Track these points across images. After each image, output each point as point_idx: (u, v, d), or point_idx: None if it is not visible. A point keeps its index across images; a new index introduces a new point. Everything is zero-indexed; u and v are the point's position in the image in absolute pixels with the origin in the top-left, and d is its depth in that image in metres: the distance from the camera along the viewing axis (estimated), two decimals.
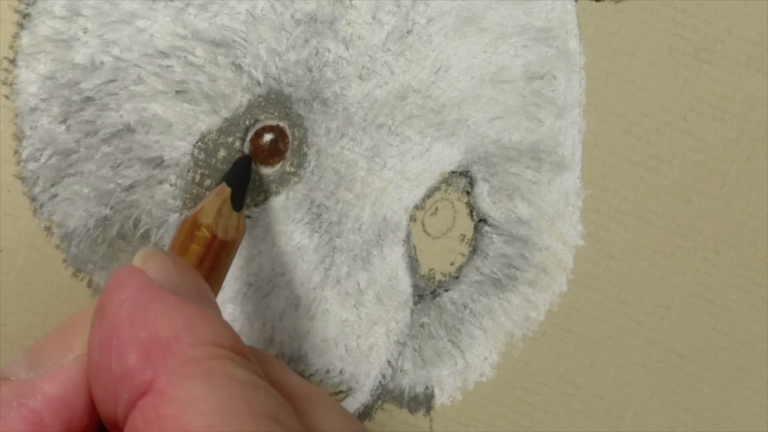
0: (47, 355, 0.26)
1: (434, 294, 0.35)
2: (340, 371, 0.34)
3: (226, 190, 0.31)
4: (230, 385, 0.23)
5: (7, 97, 0.31)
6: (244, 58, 0.32)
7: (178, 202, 0.33)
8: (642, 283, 0.35)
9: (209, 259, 0.29)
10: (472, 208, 0.35)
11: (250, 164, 0.32)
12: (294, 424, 0.24)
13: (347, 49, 0.33)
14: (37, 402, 0.25)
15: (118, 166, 0.32)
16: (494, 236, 0.35)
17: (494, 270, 0.35)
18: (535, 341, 0.35)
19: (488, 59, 0.34)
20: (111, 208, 0.32)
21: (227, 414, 0.22)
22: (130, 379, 0.23)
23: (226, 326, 0.25)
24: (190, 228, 0.29)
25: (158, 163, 0.32)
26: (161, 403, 0.23)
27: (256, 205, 0.33)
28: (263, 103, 0.33)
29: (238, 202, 0.31)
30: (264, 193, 0.33)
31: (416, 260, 0.34)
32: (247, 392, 0.23)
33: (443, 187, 0.34)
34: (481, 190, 0.34)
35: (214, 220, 0.30)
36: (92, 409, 0.25)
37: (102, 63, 0.32)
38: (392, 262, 0.34)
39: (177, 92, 0.32)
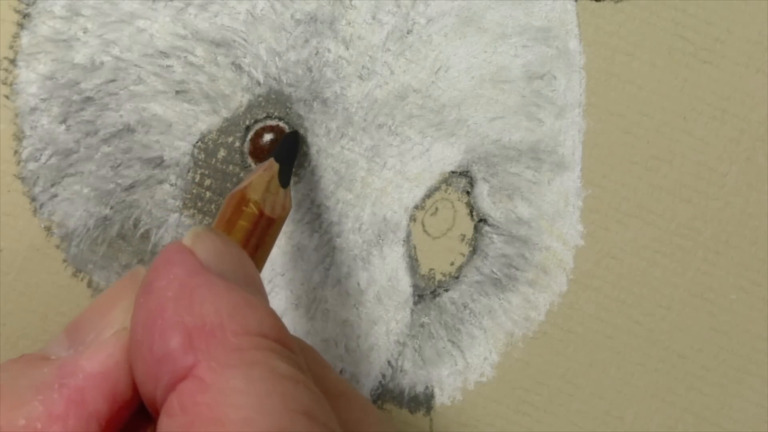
0: (86, 331, 0.26)
1: (434, 294, 0.35)
2: (340, 371, 0.34)
3: (274, 165, 0.30)
4: (270, 378, 0.23)
5: (7, 97, 0.31)
6: (244, 58, 0.32)
7: (178, 202, 0.33)
8: (642, 283, 0.35)
9: (256, 236, 0.28)
10: (472, 208, 0.35)
11: (299, 140, 0.32)
12: (331, 422, 0.23)
13: (347, 49, 0.33)
14: (79, 380, 0.24)
15: (118, 166, 0.32)
16: (494, 236, 0.35)
17: (494, 270, 0.35)
18: (535, 341, 0.35)
19: (488, 59, 0.34)
20: (111, 208, 0.32)
21: (264, 409, 0.22)
22: (171, 362, 0.23)
23: (273, 315, 0.25)
24: (237, 203, 0.29)
25: (158, 163, 0.32)
26: (199, 391, 0.23)
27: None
28: (263, 103, 0.33)
29: (284, 178, 0.30)
30: None
31: (416, 260, 0.34)
32: (286, 387, 0.23)
33: (443, 187, 0.34)
34: (481, 190, 0.34)
35: (262, 196, 0.29)
36: (135, 384, 0.25)
37: (102, 63, 0.32)
38: (392, 262, 0.34)
39: (177, 92, 0.32)
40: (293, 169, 0.32)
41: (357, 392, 0.28)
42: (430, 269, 0.35)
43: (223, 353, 0.23)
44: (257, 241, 0.28)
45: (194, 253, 0.25)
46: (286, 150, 0.31)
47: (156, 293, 0.24)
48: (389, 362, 0.35)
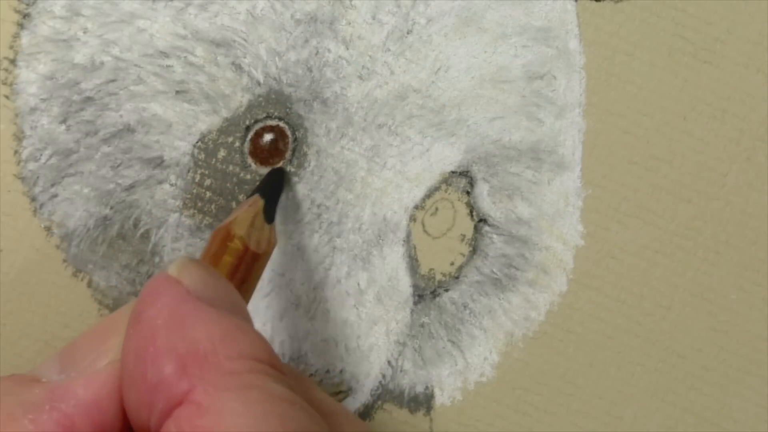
0: (80, 358, 0.26)
1: (434, 294, 0.35)
2: (340, 371, 0.34)
3: (259, 201, 0.31)
4: (267, 400, 0.23)
5: (7, 97, 0.31)
6: (244, 58, 0.32)
7: (178, 202, 0.33)
8: (642, 283, 0.35)
9: (241, 271, 0.29)
10: (472, 208, 0.35)
11: (283, 177, 0.32)
12: None
13: (347, 49, 0.33)
14: (70, 406, 0.25)
15: (118, 166, 0.32)
16: (494, 236, 0.35)
17: (494, 270, 0.35)
18: (535, 341, 0.35)
19: (488, 59, 0.34)
20: (111, 208, 0.32)
21: (263, 430, 0.22)
22: (166, 389, 0.23)
23: (263, 340, 0.25)
24: (222, 239, 0.29)
25: (158, 163, 0.32)
26: (197, 415, 0.23)
27: None
28: (263, 103, 0.33)
29: (269, 214, 0.31)
30: None
31: (416, 260, 0.34)
32: (283, 408, 0.23)
33: (443, 187, 0.34)
34: (481, 190, 0.34)
35: (247, 231, 0.29)
36: (124, 416, 0.25)
37: (102, 63, 0.32)
38: (392, 262, 0.34)
39: (177, 92, 0.32)
40: (278, 206, 0.32)
41: (347, 411, 0.28)
42: (430, 269, 0.35)
43: (218, 377, 0.23)
44: (243, 276, 0.29)
45: (181, 282, 0.25)
46: (272, 186, 0.31)
47: (146, 322, 0.24)
48: (389, 362, 0.35)
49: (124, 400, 0.25)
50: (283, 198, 0.33)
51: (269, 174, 0.32)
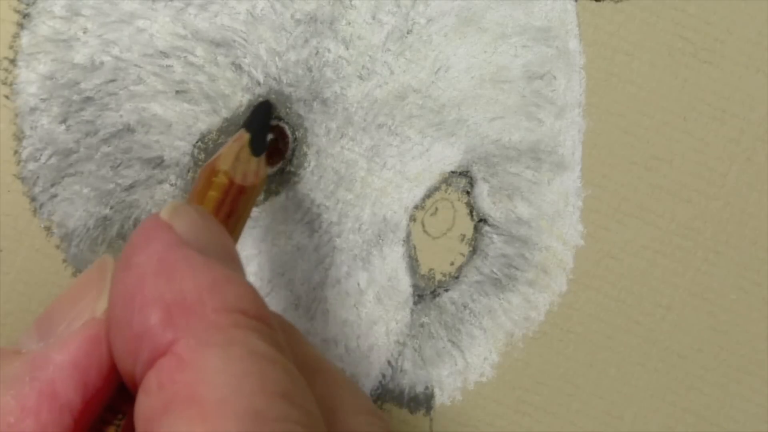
0: (56, 323, 0.26)
1: (434, 294, 0.35)
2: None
3: (244, 136, 0.30)
4: (248, 359, 0.23)
5: (7, 97, 0.31)
6: (244, 58, 0.32)
7: None
8: (642, 283, 0.35)
9: (227, 205, 0.28)
10: (472, 208, 0.35)
11: (270, 108, 0.32)
12: (308, 404, 0.23)
13: (347, 49, 0.33)
14: (49, 373, 0.24)
15: (118, 166, 0.32)
16: (494, 236, 0.35)
17: (494, 270, 0.35)
18: (535, 341, 0.35)
19: (488, 59, 0.34)
20: (111, 208, 0.32)
21: (241, 389, 0.22)
22: (151, 338, 0.23)
23: (252, 291, 0.25)
24: (208, 175, 0.29)
25: (158, 163, 0.32)
26: (177, 369, 0.23)
27: (255, 206, 0.33)
28: None
29: (259, 146, 0.30)
30: (264, 193, 0.33)
31: (416, 260, 0.34)
32: (264, 368, 0.23)
33: (443, 187, 0.34)
34: (481, 190, 0.34)
35: (231, 165, 0.29)
36: (107, 373, 0.25)
37: (102, 63, 0.32)
38: (392, 262, 0.34)
39: (177, 92, 0.32)
40: (267, 138, 0.31)
41: (335, 368, 0.28)
42: (430, 269, 0.35)
43: (202, 330, 0.23)
44: (229, 209, 0.28)
45: (172, 228, 0.25)
46: (258, 119, 0.31)
47: (135, 269, 0.24)
48: (389, 362, 0.35)
49: (111, 346, 0.25)
50: (282, 198, 0.33)
51: (255, 107, 0.32)
